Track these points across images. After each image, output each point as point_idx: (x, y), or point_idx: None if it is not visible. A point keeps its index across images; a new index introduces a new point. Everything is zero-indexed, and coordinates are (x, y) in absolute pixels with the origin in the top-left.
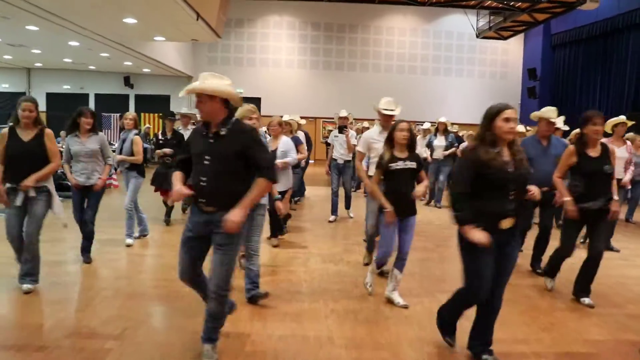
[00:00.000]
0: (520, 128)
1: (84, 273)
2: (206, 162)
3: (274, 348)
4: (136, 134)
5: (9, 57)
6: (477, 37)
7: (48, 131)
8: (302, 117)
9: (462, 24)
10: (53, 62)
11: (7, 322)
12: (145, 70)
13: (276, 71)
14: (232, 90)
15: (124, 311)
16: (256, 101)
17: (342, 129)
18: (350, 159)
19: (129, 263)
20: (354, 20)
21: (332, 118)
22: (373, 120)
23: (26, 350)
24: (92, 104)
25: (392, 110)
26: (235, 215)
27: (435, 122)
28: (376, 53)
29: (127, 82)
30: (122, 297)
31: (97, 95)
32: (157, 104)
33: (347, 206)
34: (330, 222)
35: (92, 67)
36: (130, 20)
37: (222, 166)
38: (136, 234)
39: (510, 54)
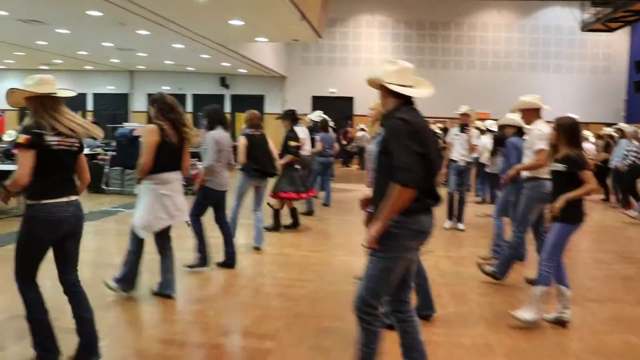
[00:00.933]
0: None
1: (223, 273)
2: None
3: (433, 354)
4: (243, 134)
5: (117, 60)
6: (582, 30)
7: None
8: None
9: (561, 17)
10: (155, 64)
11: (158, 317)
12: (241, 70)
13: (369, 70)
14: (389, 75)
15: (271, 311)
16: (349, 101)
17: (463, 128)
18: (472, 160)
19: (261, 262)
20: (447, 17)
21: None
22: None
23: (187, 347)
24: (189, 104)
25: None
26: (371, 229)
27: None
28: (470, 50)
29: (223, 82)
30: (264, 296)
31: (194, 96)
32: (251, 104)
33: (460, 217)
34: (445, 228)
35: (190, 69)
36: (236, 22)
37: (375, 164)
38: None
39: (614, 46)
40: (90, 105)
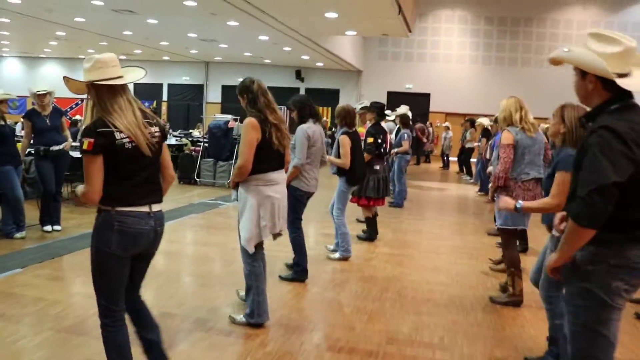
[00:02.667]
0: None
1: (352, 276)
2: None
3: None
4: (344, 133)
5: (195, 51)
6: None
7: None
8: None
9: None
10: (233, 56)
11: (320, 320)
12: (318, 64)
13: (446, 67)
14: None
15: (425, 318)
16: (425, 97)
17: None
18: None
19: (386, 264)
20: (529, 14)
21: None
22: (547, 119)
23: (356, 354)
24: None
25: None
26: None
27: None
28: (552, 48)
29: (299, 75)
30: (410, 302)
31: (269, 89)
32: (326, 98)
33: None
34: None
35: (267, 61)
36: (331, 15)
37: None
38: (336, 255)
39: None
40: (165, 96)
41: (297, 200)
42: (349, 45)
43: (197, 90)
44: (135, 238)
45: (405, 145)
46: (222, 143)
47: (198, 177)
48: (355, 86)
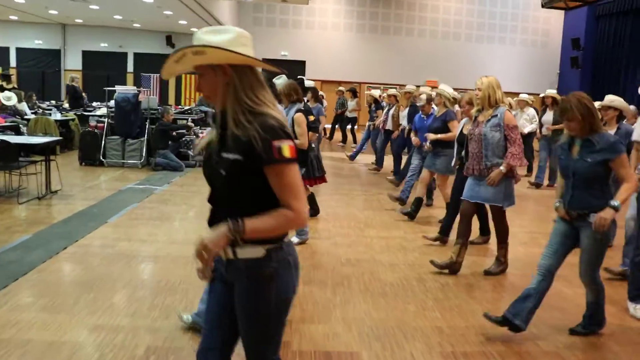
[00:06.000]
0: (524, 96)
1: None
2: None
3: None
4: (298, 110)
5: (55, 12)
6: (543, 6)
7: None
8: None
9: None
10: (98, 18)
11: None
12: (193, 29)
13: (322, 34)
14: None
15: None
16: (301, 65)
17: None
18: None
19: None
20: None
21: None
22: (419, 86)
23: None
24: (130, 64)
25: None
26: None
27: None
28: (422, 18)
29: (169, 41)
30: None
31: (136, 55)
32: None
33: None
34: None
35: (137, 25)
36: None
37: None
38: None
39: (551, 22)
40: (13, 61)
41: None
42: (227, 10)
43: (52, 56)
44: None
45: (323, 121)
46: (131, 119)
47: (104, 157)
48: None
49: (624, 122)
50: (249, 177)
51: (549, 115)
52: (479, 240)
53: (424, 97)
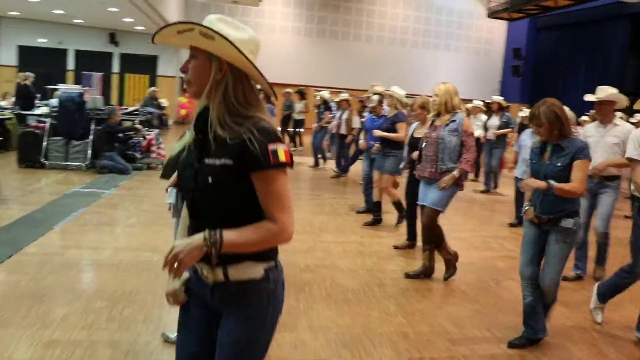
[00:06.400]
0: (477, 103)
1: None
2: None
3: None
4: None
5: None
6: (489, 16)
7: None
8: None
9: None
10: (37, 12)
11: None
12: (138, 27)
13: (270, 36)
14: None
15: None
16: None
17: None
18: None
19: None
20: None
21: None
22: (364, 90)
23: None
24: (71, 61)
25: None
26: None
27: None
28: (369, 24)
29: (113, 39)
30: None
31: (77, 52)
32: (144, 65)
33: None
34: None
35: (78, 21)
36: None
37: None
38: None
39: (495, 32)
40: None
41: None
42: (174, 9)
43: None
44: None
45: (275, 122)
46: (75, 119)
47: (45, 158)
48: (174, 53)
49: None
50: (238, 184)
51: (494, 120)
52: (404, 244)
53: (375, 97)
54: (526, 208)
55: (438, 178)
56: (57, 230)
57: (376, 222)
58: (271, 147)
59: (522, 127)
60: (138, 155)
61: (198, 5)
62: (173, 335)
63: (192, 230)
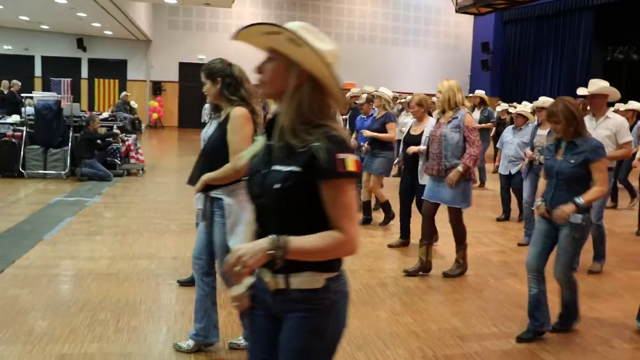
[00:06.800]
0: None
1: None
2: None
3: None
4: None
5: None
6: (457, 12)
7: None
8: None
9: None
10: (2, 18)
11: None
12: (106, 32)
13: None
14: None
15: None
16: None
17: None
18: None
19: None
20: None
21: None
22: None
23: None
24: (38, 68)
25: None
26: None
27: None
28: (338, 22)
29: (81, 44)
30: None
31: (44, 58)
32: (112, 70)
33: None
34: None
35: (44, 27)
36: None
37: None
38: None
39: (462, 27)
40: None
41: None
42: (143, 12)
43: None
44: None
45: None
46: (53, 127)
47: (23, 168)
48: (144, 57)
49: None
50: (305, 192)
51: (475, 114)
52: (397, 243)
53: (364, 96)
54: (538, 204)
55: (444, 175)
56: (47, 241)
57: (366, 222)
58: (340, 156)
59: (499, 122)
60: (118, 161)
61: (165, 8)
62: (185, 344)
63: (258, 236)
